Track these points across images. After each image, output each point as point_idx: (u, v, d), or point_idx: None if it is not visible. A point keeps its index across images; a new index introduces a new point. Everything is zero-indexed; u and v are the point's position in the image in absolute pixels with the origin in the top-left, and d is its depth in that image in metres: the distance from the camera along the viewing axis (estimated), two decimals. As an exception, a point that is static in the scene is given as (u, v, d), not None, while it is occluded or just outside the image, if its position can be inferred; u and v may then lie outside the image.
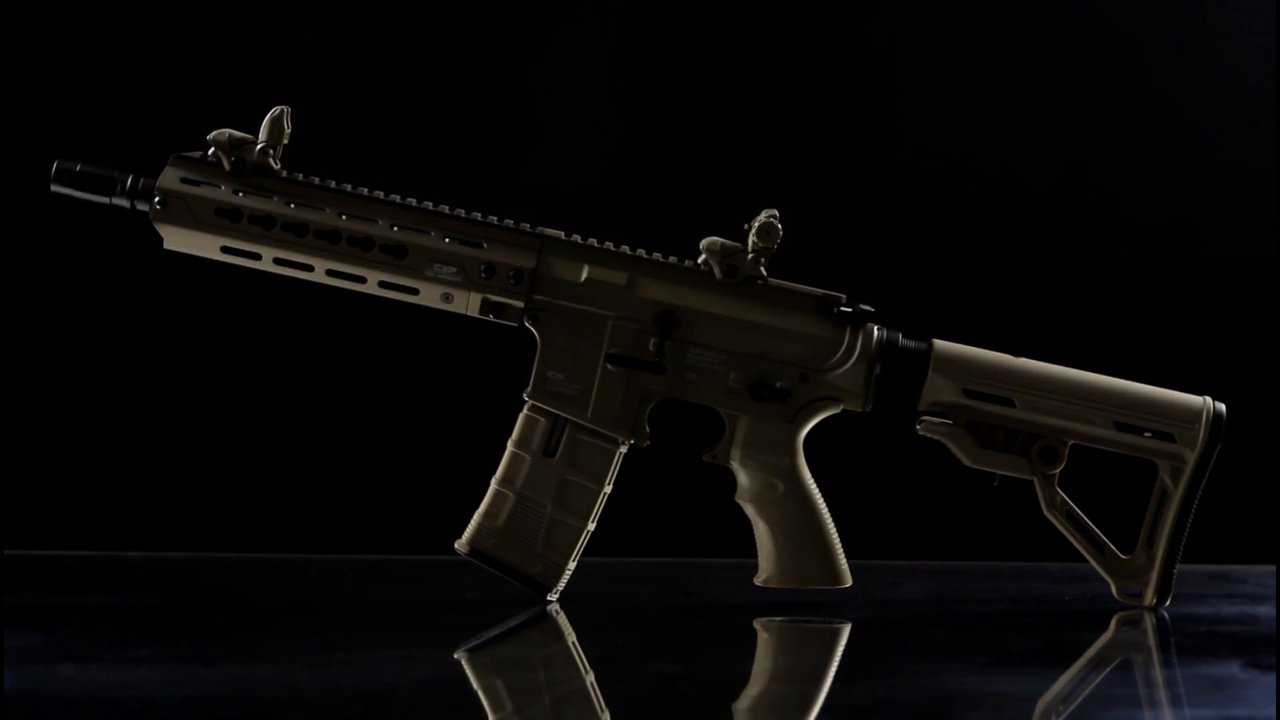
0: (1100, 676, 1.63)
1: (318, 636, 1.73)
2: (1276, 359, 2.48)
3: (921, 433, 1.87)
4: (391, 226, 1.82)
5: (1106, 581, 1.88)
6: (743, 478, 1.85)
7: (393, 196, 1.83)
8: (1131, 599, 1.87)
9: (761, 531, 1.85)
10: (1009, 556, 2.30)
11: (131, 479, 2.36)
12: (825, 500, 1.85)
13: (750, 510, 1.85)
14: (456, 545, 1.83)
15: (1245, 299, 2.49)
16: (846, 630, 1.79)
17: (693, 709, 1.49)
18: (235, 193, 1.81)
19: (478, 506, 1.83)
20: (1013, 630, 1.85)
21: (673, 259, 1.84)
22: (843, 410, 1.86)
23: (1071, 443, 1.86)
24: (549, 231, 1.84)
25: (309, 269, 1.82)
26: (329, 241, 1.81)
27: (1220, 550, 2.22)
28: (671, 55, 2.44)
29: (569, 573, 1.83)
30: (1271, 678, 1.57)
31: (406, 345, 2.38)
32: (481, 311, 1.83)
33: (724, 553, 2.05)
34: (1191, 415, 1.86)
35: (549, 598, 1.84)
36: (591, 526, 1.83)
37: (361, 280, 1.83)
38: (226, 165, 1.81)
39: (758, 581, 1.86)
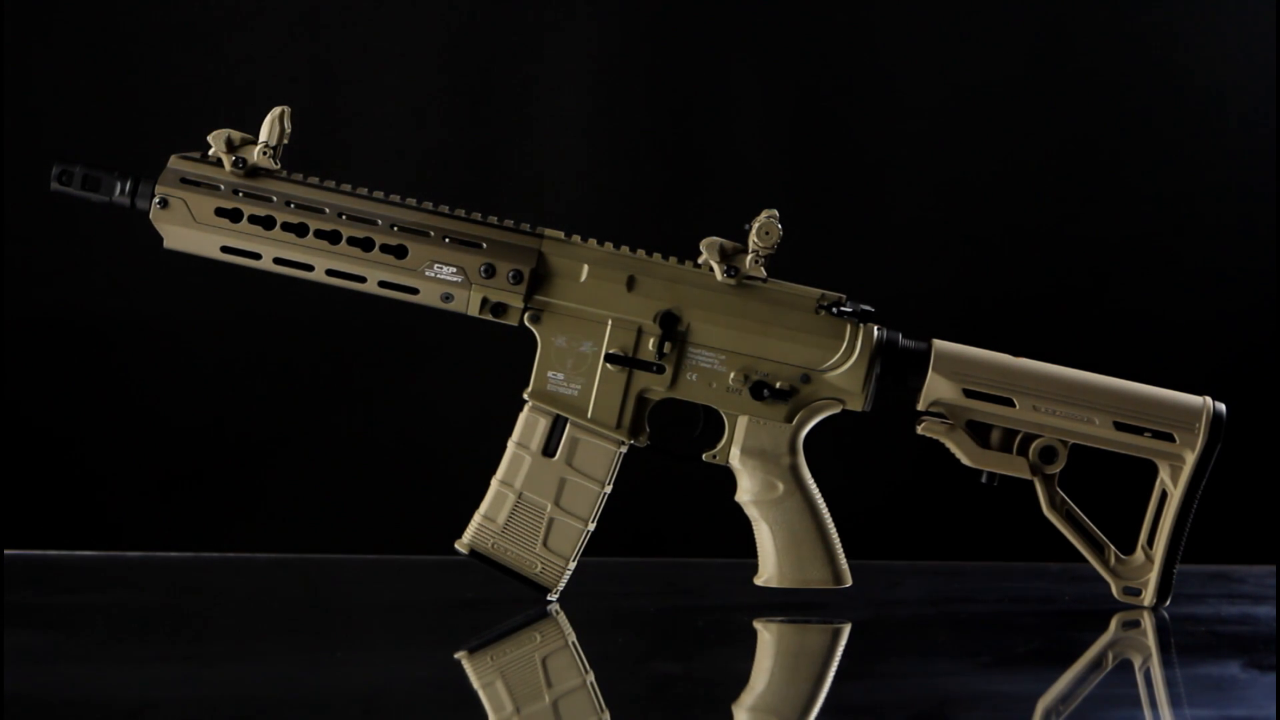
0: (1100, 676, 1.63)
1: (318, 637, 1.72)
2: (1276, 360, 2.48)
3: (921, 433, 1.87)
4: (391, 226, 1.82)
5: (1106, 581, 1.88)
6: (743, 478, 1.85)
7: (393, 196, 1.83)
8: (1131, 599, 1.87)
9: (761, 531, 1.85)
10: (1009, 556, 2.30)
11: (131, 479, 2.36)
12: (825, 500, 1.85)
13: (750, 510, 1.85)
14: (456, 545, 1.83)
15: (1246, 299, 2.49)
16: (846, 630, 1.79)
17: (693, 709, 1.49)
18: (235, 193, 1.81)
19: (478, 506, 1.83)
20: (1013, 630, 1.85)
21: (673, 259, 1.84)
22: (843, 410, 1.86)
23: (1071, 443, 1.86)
24: (549, 231, 1.84)
25: (309, 269, 1.82)
26: (329, 241, 1.82)
27: (1220, 550, 2.22)
28: (672, 54, 2.44)
29: (569, 572, 1.83)
30: (1271, 678, 1.57)
31: (406, 345, 2.38)
32: (481, 311, 1.83)
33: (724, 553, 2.05)
34: (1191, 415, 1.86)
35: (549, 598, 1.84)
36: (592, 526, 1.83)
37: (361, 280, 1.83)
38: (227, 165, 1.81)
39: (758, 581, 1.86)
